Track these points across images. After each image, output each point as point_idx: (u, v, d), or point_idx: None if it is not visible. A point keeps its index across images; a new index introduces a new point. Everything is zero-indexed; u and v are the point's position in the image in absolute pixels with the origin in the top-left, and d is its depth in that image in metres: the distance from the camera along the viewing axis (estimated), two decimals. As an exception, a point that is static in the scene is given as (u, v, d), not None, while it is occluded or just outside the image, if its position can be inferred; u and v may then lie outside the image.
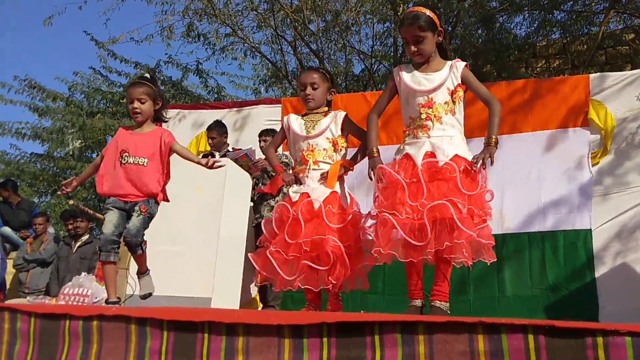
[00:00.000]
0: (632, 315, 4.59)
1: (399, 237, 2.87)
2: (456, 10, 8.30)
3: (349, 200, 3.31)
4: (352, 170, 3.38)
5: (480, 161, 2.90)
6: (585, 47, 9.24)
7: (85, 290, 4.58)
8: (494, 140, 2.96)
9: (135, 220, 3.50)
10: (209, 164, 3.57)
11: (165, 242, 3.62)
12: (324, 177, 3.26)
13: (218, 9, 9.51)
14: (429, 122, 3.00)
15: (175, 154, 3.66)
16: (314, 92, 3.40)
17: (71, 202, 7.33)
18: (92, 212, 6.59)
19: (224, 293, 4.94)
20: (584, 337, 1.53)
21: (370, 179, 3.11)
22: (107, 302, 3.56)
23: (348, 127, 3.38)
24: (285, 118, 3.53)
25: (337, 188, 3.26)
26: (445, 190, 2.80)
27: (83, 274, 5.54)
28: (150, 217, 3.58)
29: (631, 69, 5.69)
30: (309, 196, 3.21)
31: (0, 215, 7.82)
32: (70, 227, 6.94)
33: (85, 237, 6.88)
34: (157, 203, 3.64)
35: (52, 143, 12.50)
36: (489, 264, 2.92)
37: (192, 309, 3.27)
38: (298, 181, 3.31)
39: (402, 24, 3.16)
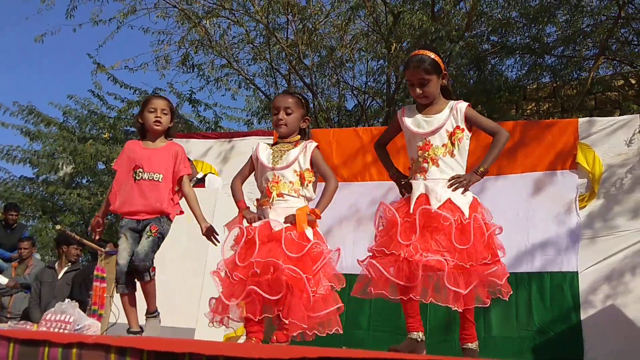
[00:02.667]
0: (618, 358, 4.57)
1: (391, 276, 2.88)
2: (449, 51, 8.42)
3: (312, 234, 3.05)
4: (319, 218, 3.10)
5: (456, 184, 2.95)
6: (574, 91, 9.38)
7: (67, 317, 4.50)
8: (481, 169, 3.02)
9: (144, 243, 3.41)
10: (205, 232, 3.50)
11: (162, 273, 3.58)
12: (289, 218, 3.03)
13: (214, 40, 9.61)
14: (425, 165, 3.05)
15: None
16: (287, 117, 3.22)
17: (58, 227, 7.27)
18: (78, 237, 6.52)
19: (208, 324, 4.89)
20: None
21: (403, 195, 3.15)
22: (128, 332, 3.49)
23: (315, 162, 3.18)
24: (253, 147, 3.36)
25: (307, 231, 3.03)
26: (440, 242, 2.85)
27: (67, 300, 5.47)
28: (160, 237, 3.50)
29: (620, 115, 5.78)
30: (270, 224, 3.01)
31: None
32: (73, 252, 6.88)
33: (71, 264, 6.82)
34: (170, 220, 3.57)
35: (42, 167, 12.48)
36: (507, 299, 3.09)
37: (173, 339, 3.22)
38: (260, 218, 3.10)
39: (407, 66, 3.19)
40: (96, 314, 5.61)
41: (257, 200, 3.27)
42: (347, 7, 9.21)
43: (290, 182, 3.15)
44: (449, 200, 2.92)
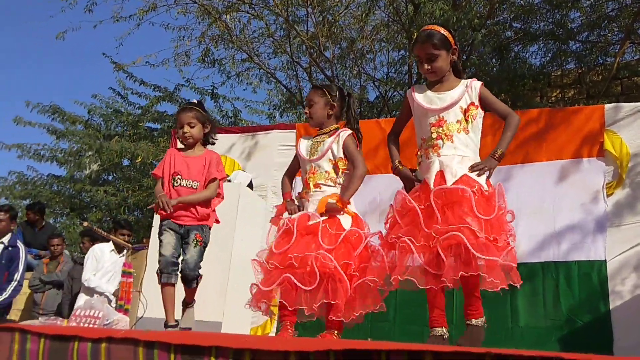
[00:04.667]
0: (648, 348, 4.51)
1: (416, 264, 2.84)
2: (471, 40, 8.34)
3: (350, 223, 3.15)
4: (345, 205, 3.18)
5: (478, 171, 2.88)
6: (600, 77, 9.23)
7: (96, 312, 4.59)
8: (499, 153, 2.95)
9: (192, 252, 3.55)
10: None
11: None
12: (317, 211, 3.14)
13: (235, 35, 9.64)
14: (439, 141, 2.98)
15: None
16: (310, 110, 3.37)
17: (85, 223, 7.36)
18: (105, 234, 6.61)
19: (235, 318, 4.93)
20: (594, 370, 1.51)
21: (406, 189, 3.09)
22: (166, 325, 3.56)
23: (346, 148, 3.26)
24: (298, 142, 3.50)
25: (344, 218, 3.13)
26: (461, 214, 2.73)
27: (95, 295, 5.57)
28: (205, 246, 3.64)
29: (647, 100, 5.67)
30: (308, 215, 3.13)
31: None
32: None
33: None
34: (209, 228, 3.70)
35: (68, 165, 12.66)
36: (519, 286, 2.86)
37: (200, 333, 3.26)
38: (300, 209, 3.23)
39: (415, 41, 3.15)
40: (122, 308, 5.71)
41: (299, 193, 3.40)
42: (367, -2, 9.18)
43: (326, 171, 3.25)
44: (465, 175, 2.85)
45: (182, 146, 3.84)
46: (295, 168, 3.54)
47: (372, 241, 3.14)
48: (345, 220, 3.13)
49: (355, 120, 3.45)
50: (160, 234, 3.62)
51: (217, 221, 3.79)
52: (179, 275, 3.57)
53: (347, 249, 3.03)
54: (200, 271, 3.60)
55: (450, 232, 2.70)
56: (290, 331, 3.06)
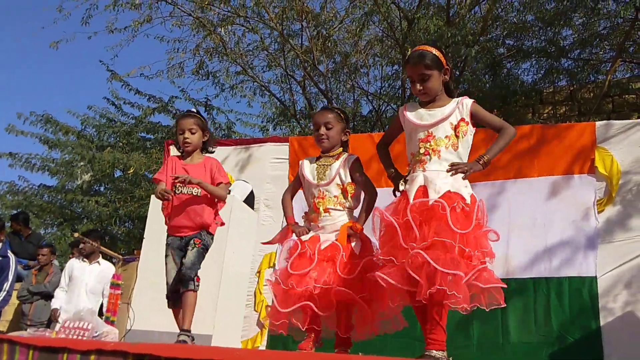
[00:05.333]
0: (638, 365, 4.52)
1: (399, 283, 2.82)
2: (464, 56, 8.39)
3: (360, 248, 3.23)
4: (360, 231, 3.26)
5: (454, 170, 2.89)
6: (592, 94, 9.30)
7: (85, 324, 4.54)
8: (485, 159, 2.95)
9: (190, 254, 3.57)
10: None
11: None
12: (335, 231, 3.20)
13: (229, 48, 9.67)
14: (426, 157, 2.98)
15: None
16: (327, 132, 3.37)
17: (76, 234, 7.31)
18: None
19: (225, 331, 4.90)
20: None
21: (395, 195, 3.10)
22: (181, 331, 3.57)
23: (354, 173, 3.33)
24: (300, 163, 3.52)
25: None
26: (438, 229, 2.71)
27: (84, 307, 5.51)
28: (205, 248, 3.65)
29: (637, 118, 5.71)
30: (319, 238, 3.18)
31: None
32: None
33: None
34: (211, 234, 3.71)
35: (60, 175, 12.61)
36: (487, 310, 2.80)
37: (191, 346, 3.24)
38: (309, 231, 3.28)
39: (407, 62, 3.16)
40: (109, 320, 5.66)
41: (306, 213, 3.43)
42: (362, 13, 9.22)
43: (334, 196, 3.30)
44: (448, 192, 2.83)
45: (179, 154, 3.87)
46: (296, 189, 3.58)
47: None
48: (357, 245, 3.20)
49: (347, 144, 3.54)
50: (165, 254, 3.69)
51: (222, 223, 3.84)
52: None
53: (362, 278, 3.07)
54: (197, 272, 3.60)
55: (418, 249, 2.67)
56: (310, 344, 3.06)
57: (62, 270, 7.39)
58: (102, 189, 13.40)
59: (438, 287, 2.60)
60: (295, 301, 3.02)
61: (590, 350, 4.78)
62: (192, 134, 3.74)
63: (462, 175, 2.91)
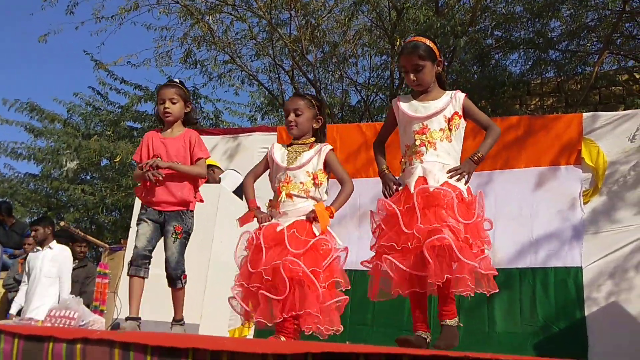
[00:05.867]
0: (622, 355, 4.57)
1: (400, 269, 2.84)
2: (453, 46, 8.40)
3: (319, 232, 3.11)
4: (332, 217, 3.15)
5: (457, 175, 2.92)
6: (579, 86, 9.34)
7: (72, 312, 4.52)
8: (479, 155, 3.00)
9: (173, 249, 3.45)
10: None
11: (156, 267, 3.58)
12: (309, 215, 3.10)
13: (217, 36, 9.60)
14: (422, 148, 3.01)
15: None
16: (297, 118, 3.28)
17: (62, 223, 7.28)
18: (82, 234, 6.54)
19: (212, 320, 4.90)
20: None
21: (385, 195, 3.09)
22: (127, 318, 3.44)
23: (331, 164, 3.24)
24: (270, 146, 3.42)
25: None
26: (442, 215, 2.77)
27: (71, 296, 5.49)
28: (187, 236, 3.53)
29: (624, 110, 5.75)
30: (277, 226, 3.09)
31: None
32: (78, 249, 6.89)
33: (77, 261, 6.83)
34: (191, 211, 3.58)
35: (46, 164, 12.50)
36: (487, 294, 2.89)
37: (177, 334, 3.24)
38: (271, 218, 3.18)
39: (401, 52, 3.19)
40: (97, 309, 5.64)
41: (270, 200, 3.32)
42: (351, 3, 9.19)
43: (301, 182, 3.19)
44: (447, 182, 2.89)
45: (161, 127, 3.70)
46: (260, 171, 3.46)
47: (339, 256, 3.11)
48: (317, 229, 3.09)
49: (325, 133, 3.46)
50: (138, 222, 3.52)
51: (201, 200, 3.67)
52: (150, 269, 3.48)
53: (316, 256, 3.01)
54: (184, 267, 3.49)
55: (435, 232, 2.72)
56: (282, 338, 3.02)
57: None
58: (88, 177, 13.31)
59: (459, 275, 2.70)
60: (254, 297, 3.03)
61: (574, 340, 4.82)
62: (173, 103, 3.57)
63: (466, 179, 2.96)
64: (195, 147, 3.57)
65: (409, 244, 2.78)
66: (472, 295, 2.83)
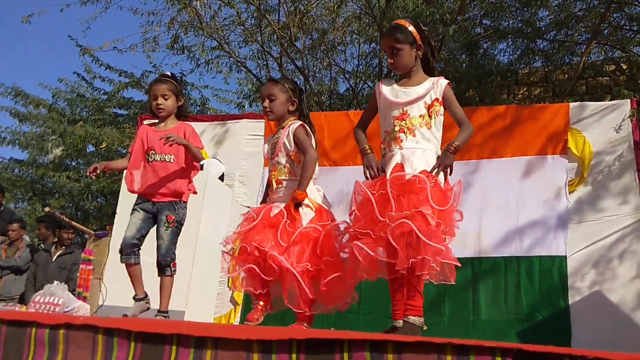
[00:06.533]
0: (605, 343, 4.61)
1: (377, 256, 2.85)
2: (441, 35, 8.37)
3: (310, 217, 3.16)
4: (301, 198, 3.14)
5: (438, 171, 2.88)
6: (566, 76, 9.36)
7: (56, 299, 4.49)
8: (455, 144, 2.93)
9: (164, 236, 3.52)
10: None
11: (146, 255, 3.59)
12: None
13: (205, 22, 9.51)
14: (402, 135, 2.99)
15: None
16: (270, 104, 3.32)
17: (47, 209, 7.23)
18: (67, 220, 6.49)
19: (198, 307, 4.89)
20: (552, 361, 1.53)
21: (367, 177, 3.06)
22: (134, 298, 3.58)
23: (296, 137, 3.25)
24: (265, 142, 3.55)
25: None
26: (416, 202, 2.74)
27: (55, 282, 5.45)
28: (179, 225, 3.60)
29: (611, 100, 5.78)
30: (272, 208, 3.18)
31: None
32: (65, 236, 6.85)
33: (64, 247, 6.80)
34: (184, 202, 3.65)
35: (31, 149, 12.38)
36: (447, 283, 2.84)
37: (161, 320, 3.23)
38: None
39: (382, 35, 3.20)
40: (81, 296, 5.61)
41: (269, 191, 3.41)
42: (340, -10, 9.14)
43: (284, 166, 3.28)
44: (424, 171, 2.86)
45: (155, 120, 3.77)
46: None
47: (340, 229, 3.14)
48: (306, 216, 3.13)
49: (307, 114, 3.45)
50: (131, 212, 3.60)
51: (195, 192, 3.76)
52: (141, 254, 3.57)
53: (303, 248, 3.04)
54: (174, 256, 3.57)
55: (401, 219, 2.70)
56: (258, 314, 3.06)
57: (31, 244, 7.31)
58: (74, 163, 13.20)
59: (420, 257, 2.66)
60: (240, 265, 3.09)
61: (558, 328, 4.87)
62: (166, 99, 3.64)
63: (448, 171, 2.93)
64: (191, 138, 3.64)
65: (382, 232, 2.77)
66: (435, 281, 2.79)
